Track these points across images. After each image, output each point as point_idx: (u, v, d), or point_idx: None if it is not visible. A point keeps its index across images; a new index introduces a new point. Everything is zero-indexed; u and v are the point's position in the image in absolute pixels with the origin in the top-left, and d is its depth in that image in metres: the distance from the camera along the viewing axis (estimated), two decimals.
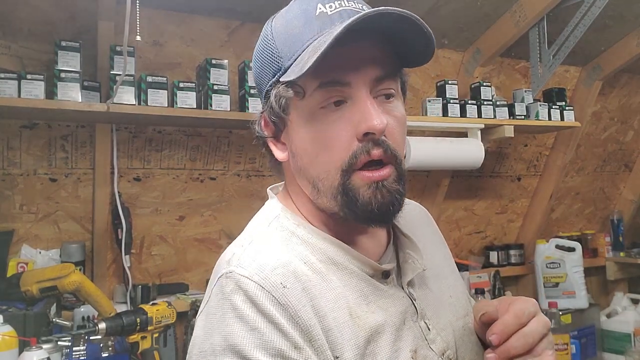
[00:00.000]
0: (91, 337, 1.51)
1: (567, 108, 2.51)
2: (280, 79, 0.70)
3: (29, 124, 1.80)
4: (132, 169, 1.97)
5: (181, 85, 1.76)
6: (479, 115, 2.29)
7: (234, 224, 2.18)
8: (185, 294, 2.04)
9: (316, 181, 0.72)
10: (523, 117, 2.40)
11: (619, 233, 3.08)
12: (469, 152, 2.24)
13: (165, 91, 1.75)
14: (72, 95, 1.63)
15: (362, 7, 0.71)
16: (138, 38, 1.43)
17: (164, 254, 2.10)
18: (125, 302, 1.93)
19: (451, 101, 2.24)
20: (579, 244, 2.72)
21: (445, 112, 2.24)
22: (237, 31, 2.04)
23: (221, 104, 1.79)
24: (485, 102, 2.30)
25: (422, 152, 2.12)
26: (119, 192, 1.91)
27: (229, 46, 2.05)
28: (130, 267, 1.93)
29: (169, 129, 1.99)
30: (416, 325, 0.75)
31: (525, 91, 2.45)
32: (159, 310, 1.59)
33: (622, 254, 3.04)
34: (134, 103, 1.71)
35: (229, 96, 1.81)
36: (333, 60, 0.64)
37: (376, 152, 0.68)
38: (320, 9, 0.70)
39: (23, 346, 1.42)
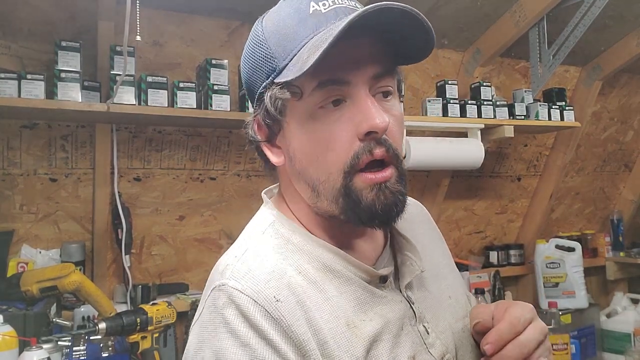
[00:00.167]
0: (91, 337, 1.51)
1: (567, 108, 2.51)
2: (275, 80, 0.68)
3: (29, 124, 1.80)
4: (132, 169, 1.97)
5: (181, 85, 1.76)
6: (479, 115, 2.29)
7: (234, 224, 2.18)
8: (185, 294, 2.04)
9: (316, 184, 0.70)
10: (523, 117, 2.40)
11: (619, 233, 3.08)
12: (469, 152, 2.24)
13: (165, 91, 1.75)
14: (72, 95, 1.63)
15: (355, 4, 0.70)
16: (138, 38, 1.43)
17: (164, 254, 2.10)
18: (125, 302, 1.93)
19: (451, 101, 2.24)
20: (578, 244, 2.72)
21: (445, 112, 2.24)
22: (237, 31, 2.05)
23: (221, 104, 1.79)
24: (485, 102, 2.30)
25: (422, 152, 2.12)
26: (119, 192, 1.91)
27: (229, 46, 2.05)
28: (130, 267, 1.93)
29: (169, 129, 1.99)
30: (415, 330, 0.73)
31: (525, 91, 2.45)
32: (159, 310, 1.59)
33: (622, 253, 3.04)
34: (134, 103, 1.71)
35: (229, 96, 1.81)
36: (331, 58, 0.62)
37: (379, 152, 0.67)
38: (313, 7, 0.68)
39: (23, 346, 1.42)
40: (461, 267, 2.57)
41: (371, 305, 0.70)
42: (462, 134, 2.33)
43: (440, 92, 2.29)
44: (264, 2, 0.74)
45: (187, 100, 1.77)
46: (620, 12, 2.33)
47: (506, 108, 2.36)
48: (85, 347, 1.61)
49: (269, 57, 0.69)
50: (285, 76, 0.66)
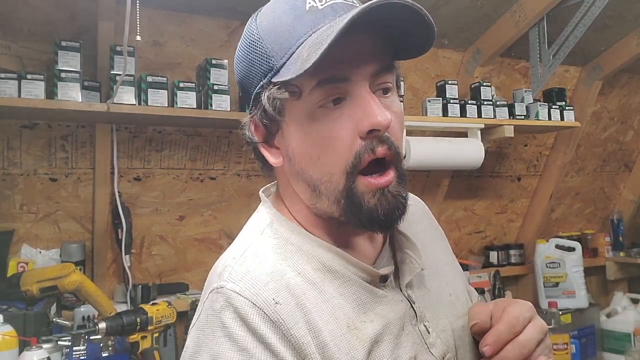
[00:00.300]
0: (91, 337, 1.51)
1: (567, 108, 2.51)
2: (273, 80, 0.66)
3: (29, 124, 1.80)
4: (132, 169, 1.98)
5: (181, 85, 1.76)
6: (479, 115, 2.29)
7: (234, 224, 2.18)
8: (185, 294, 2.04)
9: (317, 184, 0.68)
10: (523, 117, 2.40)
11: (619, 233, 3.08)
12: (469, 152, 2.24)
13: (166, 91, 1.75)
14: (72, 95, 1.63)
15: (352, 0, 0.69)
16: (138, 38, 1.43)
17: (164, 253, 2.10)
18: (126, 302, 1.93)
19: (451, 101, 2.24)
20: (578, 243, 2.72)
21: (445, 112, 2.24)
22: (237, 31, 2.04)
23: (221, 104, 1.79)
24: (485, 102, 2.30)
25: (422, 152, 2.12)
26: (119, 192, 1.91)
27: (229, 46, 2.04)
28: (130, 267, 1.93)
29: (169, 129, 1.99)
30: (415, 330, 0.73)
31: (525, 91, 2.45)
32: (159, 310, 1.59)
33: (622, 253, 3.04)
34: (134, 103, 1.71)
35: (229, 96, 1.81)
36: (331, 56, 0.60)
37: (381, 150, 0.66)
38: (310, 3, 0.66)
39: (23, 346, 1.42)
40: (461, 267, 2.57)
41: (372, 305, 0.69)
42: (462, 134, 2.33)
43: (440, 92, 2.29)
44: (265, 2, 0.73)
45: (187, 100, 1.77)
46: (620, 12, 2.33)
47: (506, 108, 2.36)
48: (85, 347, 1.61)
49: (265, 56, 0.67)
50: (284, 75, 0.65)
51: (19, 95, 1.57)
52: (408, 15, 0.64)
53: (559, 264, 2.66)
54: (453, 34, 2.35)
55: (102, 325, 1.48)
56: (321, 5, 0.66)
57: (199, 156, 2.07)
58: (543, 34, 2.29)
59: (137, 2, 1.39)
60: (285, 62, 0.65)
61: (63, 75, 1.62)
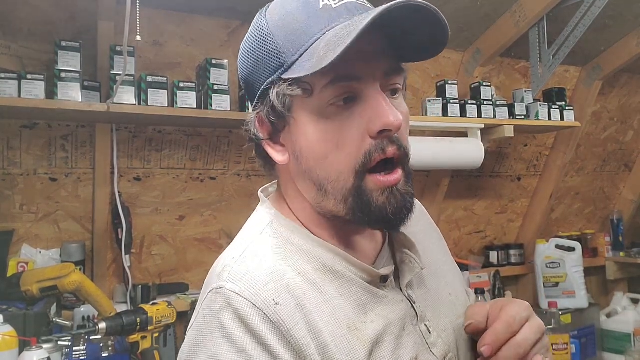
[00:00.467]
0: (91, 337, 1.51)
1: (567, 108, 2.51)
2: (284, 76, 0.66)
3: (29, 124, 1.80)
4: (132, 169, 1.98)
5: (181, 85, 1.76)
6: (479, 115, 2.29)
7: (234, 224, 2.18)
8: (185, 294, 2.04)
9: (324, 183, 0.68)
10: (523, 117, 2.40)
11: (619, 233, 3.08)
12: (469, 152, 2.24)
13: (166, 91, 1.75)
14: (72, 95, 1.63)
15: (364, 0, 0.69)
16: (138, 38, 1.43)
17: (164, 253, 2.10)
18: (126, 302, 1.93)
19: (451, 101, 2.24)
20: (578, 243, 2.72)
21: (445, 112, 2.24)
22: (237, 31, 2.04)
23: (221, 104, 1.79)
24: (485, 102, 2.30)
25: (422, 152, 2.12)
26: (119, 192, 1.91)
27: (229, 46, 2.05)
28: (130, 267, 1.93)
29: (169, 128, 1.99)
30: (416, 330, 0.72)
31: (525, 91, 2.45)
32: (159, 310, 1.59)
33: (622, 253, 3.04)
34: (134, 103, 1.71)
35: (229, 96, 1.81)
36: (345, 55, 0.59)
37: (391, 150, 0.66)
38: (324, 1, 0.66)
39: (23, 346, 1.42)
40: (461, 267, 2.54)
41: (372, 306, 0.69)
42: (462, 134, 2.33)
43: (440, 92, 2.29)
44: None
45: (187, 100, 1.76)
46: (620, 12, 2.33)
47: (506, 108, 2.36)
48: (85, 347, 1.61)
49: (275, 51, 0.67)
50: (297, 72, 0.64)
51: (19, 95, 1.57)
52: (422, 18, 0.63)
53: (559, 264, 2.66)
54: (453, 34, 2.32)
55: (102, 325, 1.48)
56: (335, 4, 0.66)
57: (199, 156, 2.07)
58: (543, 34, 2.29)
59: (137, 2, 1.39)
60: (297, 59, 0.65)
61: (63, 75, 1.62)
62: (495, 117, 2.32)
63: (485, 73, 2.60)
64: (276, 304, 0.63)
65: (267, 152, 0.73)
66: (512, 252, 2.82)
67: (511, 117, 2.38)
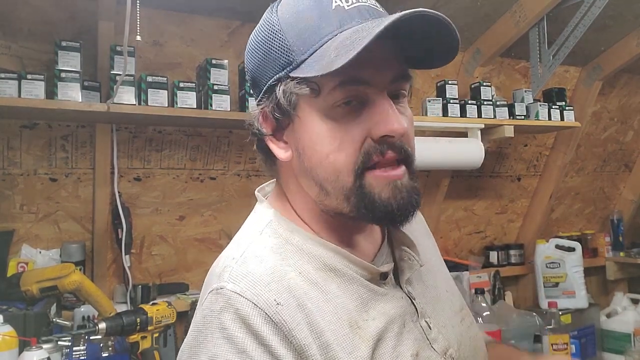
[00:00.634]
0: (91, 337, 1.51)
1: (567, 108, 2.51)
2: (292, 74, 0.66)
3: (29, 124, 1.80)
4: (132, 169, 1.97)
5: (181, 85, 1.76)
6: (479, 115, 2.29)
7: (234, 224, 2.18)
8: (185, 294, 2.04)
9: (324, 183, 0.68)
10: (523, 117, 2.40)
11: (619, 233, 3.08)
12: (469, 152, 2.24)
13: (166, 91, 1.74)
14: (72, 95, 1.63)
15: (375, 3, 0.69)
16: (138, 38, 1.43)
17: (164, 253, 2.10)
18: (125, 302, 1.93)
19: (451, 101, 2.24)
20: (578, 244, 2.72)
21: (445, 112, 2.24)
22: (237, 31, 2.05)
23: (221, 104, 1.79)
24: (485, 102, 2.30)
25: (422, 152, 2.11)
26: (119, 192, 1.91)
27: (229, 46, 2.05)
28: (130, 267, 1.93)
29: (169, 129, 1.99)
30: (417, 326, 0.73)
31: (525, 91, 2.45)
32: (159, 310, 1.59)
33: (622, 254, 3.03)
34: (134, 103, 1.71)
35: (229, 96, 1.81)
36: (356, 58, 0.60)
37: (390, 154, 0.67)
38: (336, 2, 0.66)
39: (23, 346, 1.42)
40: (461, 267, 2.57)
41: (373, 303, 0.69)
42: (462, 134, 2.33)
43: (440, 92, 2.29)
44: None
45: (187, 100, 1.76)
46: (620, 12, 2.33)
47: (506, 108, 2.36)
48: (85, 347, 1.61)
49: (285, 48, 0.67)
50: (306, 72, 0.64)
51: (19, 95, 1.57)
52: (434, 28, 0.64)
53: (559, 264, 2.65)
54: None
55: (102, 325, 1.48)
56: (347, 6, 0.66)
57: (199, 156, 2.07)
58: (543, 34, 2.29)
59: (137, 2, 1.39)
60: (306, 59, 0.65)
61: (63, 75, 1.62)
62: (495, 117, 2.31)
63: (485, 73, 2.60)
64: (278, 304, 0.63)
65: (269, 148, 0.73)
66: (512, 252, 2.82)
67: (511, 117, 2.37)
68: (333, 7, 0.66)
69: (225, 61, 1.85)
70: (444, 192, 2.55)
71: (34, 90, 1.58)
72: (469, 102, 2.28)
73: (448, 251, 2.75)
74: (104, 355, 1.66)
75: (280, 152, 0.72)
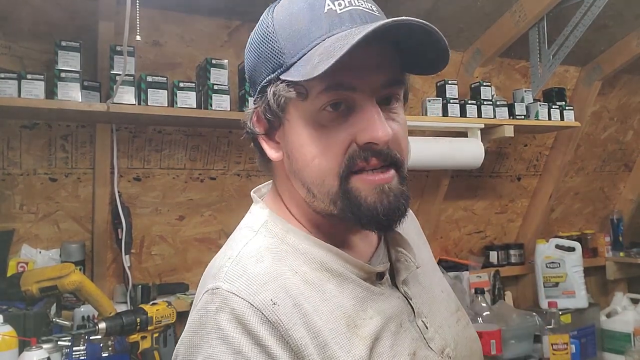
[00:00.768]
0: (91, 337, 1.51)
1: (567, 108, 2.51)
2: (282, 77, 0.66)
3: (29, 124, 1.80)
4: (132, 169, 1.97)
5: (181, 85, 1.76)
6: (479, 115, 2.29)
7: (234, 224, 2.16)
8: (185, 294, 2.04)
9: (311, 186, 0.69)
10: (523, 117, 2.40)
11: (619, 233, 3.08)
12: (469, 151, 2.24)
13: (165, 91, 1.75)
14: (72, 95, 1.63)
15: (371, 6, 0.68)
16: (138, 38, 1.43)
17: (164, 253, 2.10)
18: (125, 302, 1.93)
19: (451, 101, 2.24)
20: (578, 243, 2.72)
21: (445, 112, 2.24)
22: (237, 31, 2.05)
23: (221, 103, 1.79)
24: (485, 102, 2.30)
25: (422, 152, 2.12)
26: (119, 192, 1.91)
27: (229, 46, 2.05)
28: (130, 267, 1.93)
29: (169, 128, 1.99)
30: (413, 326, 0.73)
31: (525, 91, 2.45)
32: (159, 310, 1.59)
33: (621, 253, 3.04)
34: (134, 103, 1.71)
35: (229, 96, 1.81)
36: (342, 63, 0.60)
37: (374, 161, 0.66)
38: (328, 5, 0.66)
39: (23, 346, 1.42)
40: (461, 267, 2.57)
41: (370, 303, 0.70)
42: (462, 133, 2.33)
43: (440, 92, 2.29)
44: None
45: (187, 100, 1.76)
46: (620, 12, 2.33)
47: (506, 108, 2.36)
48: (85, 347, 1.61)
49: (277, 51, 0.67)
50: (293, 75, 0.65)
51: (19, 95, 1.57)
52: (423, 36, 0.64)
53: (559, 264, 2.66)
54: (453, 34, 2.35)
55: (102, 325, 1.48)
56: (340, 9, 0.66)
57: (199, 156, 2.07)
58: (543, 34, 2.29)
59: (137, 2, 1.39)
60: (295, 62, 0.65)
61: (63, 75, 1.62)
62: (495, 117, 2.32)
63: (485, 73, 2.60)
64: (274, 304, 0.63)
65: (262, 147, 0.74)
66: (512, 252, 2.82)
67: (511, 117, 2.38)
68: (325, 11, 0.66)
69: (225, 61, 1.85)
70: (444, 192, 2.55)
71: (34, 90, 1.58)
72: (469, 102, 2.28)
73: (448, 251, 2.75)
74: (104, 355, 1.66)
75: (272, 152, 0.73)
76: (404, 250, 0.78)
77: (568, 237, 2.85)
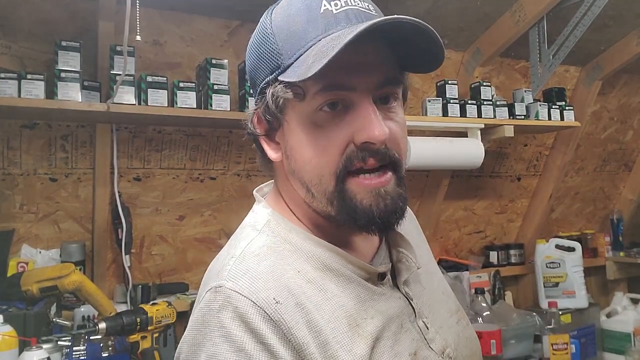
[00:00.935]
0: (91, 337, 1.51)
1: (567, 108, 2.51)
2: (279, 78, 0.67)
3: (29, 124, 1.80)
4: (132, 169, 1.98)
5: (181, 85, 1.76)
6: (479, 115, 2.29)
7: (233, 224, 2.16)
8: (185, 294, 2.04)
9: (309, 186, 0.69)
10: (523, 117, 2.40)
11: (619, 233, 3.08)
12: (469, 152, 2.24)
13: (165, 91, 1.75)
14: (72, 95, 1.63)
15: (367, 5, 0.69)
16: (138, 38, 1.43)
17: (164, 253, 2.10)
18: (125, 302, 1.93)
19: (451, 101, 2.24)
20: (578, 243, 2.72)
21: (445, 112, 2.24)
22: (237, 31, 2.05)
23: (221, 103, 1.79)
24: (485, 102, 2.30)
25: (422, 152, 2.12)
26: (119, 192, 1.91)
27: (229, 46, 2.05)
28: (130, 267, 1.93)
29: (169, 128, 1.99)
30: (414, 326, 0.73)
31: (525, 91, 2.45)
32: (159, 310, 1.59)
33: (621, 253, 3.03)
34: (134, 103, 1.71)
35: (229, 96, 1.81)
36: (338, 62, 0.61)
37: (372, 161, 0.67)
38: (325, 6, 0.66)
39: (23, 346, 1.42)
40: (461, 267, 2.57)
41: (371, 303, 0.70)
42: (462, 133, 2.33)
43: (440, 92, 2.29)
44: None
45: (187, 100, 1.76)
46: (620, 12, 2.33)
47: (506, 108, 2.36)
48: (85, 347, 1.61)
49: (274, 52, 0.68)
50: (289, 76, 0.65)
51: (19, 95, 1.57)
52: (417, 34, 0.64)
53: (559, 264, 2.65)
54: (453, 34, 2.35)
55: (102, 325, 1.48)
56: (336, 9, 0.66)
57: (199, 156, 2.07)
58: (543, 33, 2.29)
59: (137, 2, 1.39)
60: (292, 63, 0.66)
61: (63, 75, 1.62)
62: (495, 117, 2.32)
63: (485, 73, 2.60)
64: (277, 302, 0.63)
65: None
66: (512, 252, 2.82)
67: (511, 117, 2.38)
68: (321, 11, 0.66)
69: (225, 61, 1.85)
70: (444, 192, 2.55)
71: (34, 90, 1.58)
72: (469, 102, 2.28)
73: (448, 251, 2.75)
74: (104, 355, 1.66)
75: (272, 152, 0.73)
76: (405, 250, 0.78)
77: (568, 237, 2.85)
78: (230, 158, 2.12)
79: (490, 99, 2.33)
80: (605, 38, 2.57)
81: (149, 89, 1.72)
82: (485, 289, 2.47)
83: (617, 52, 2.65)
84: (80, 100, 1.64)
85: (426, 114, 2.22)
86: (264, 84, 0.70)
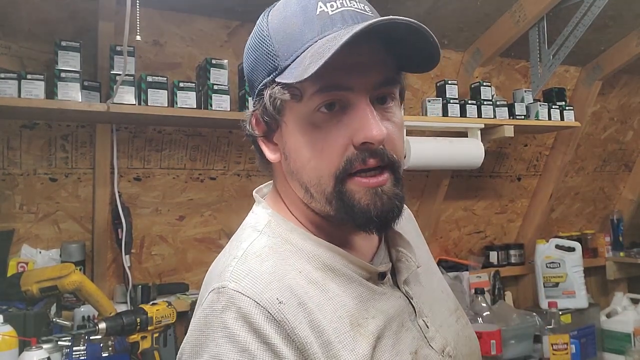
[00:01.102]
0: (91, 337, 1.51)
1: (567, 108, 2.51)
2: (277, 80, 0.67)
3: (29, 124, 1.80)
4: (132, 169, 1.98)
5: (181, 85, 1.76)
6: (479, 115, 2.29)
7: (234, 224, 2.17)
8: (185, 294, 2.04)
9: (308, 186, 0.70)
10: (523, 117, 2.40)
11: (619, 233, 3.08)
12: (469, 152, 2.24)
13: (165, 91, 1.75)
14: (72, 95, 1.63)
15: (363, 6, 0.69)
16: (138, 38, 1.43)
17: (164, 253, 2.10)
18: (125, 302, 1.93)
19: (451, 101, 2.24)
20: (578, 243, 2.72)
21: (445, 112, 2.24)
22: (237, 31, 2.05)
23: (221, 104, 1.79)
24: (485, 102, 2.30)
25: (422, 152, 2.12)
26: (119, 192, 1.91)
27: (229, 46, 2.05)
28: (130, 267, 1.93)
29: (169, 128, 1.99)
30: (415, 325, 0.74)
31: (525, 91, 2.45)
32: (159, 310, 1.60)
33: (622, 253, 3.04)
34: (134, 103, 1.71)
35: (229, 96, 1.81)
36: (334, 63, 0.61)
37: (372, 162, 0.67)
38: (321, 7, 0.66)
39: (23, 346, 1.42)
40: (461, 267, 2.57)
41: (372, 302, 0.70)
42: (462, 134, 2.33)
43: (440, 92, 2.29)
44: (264, 1, 0.74)
45: (187, 100, 1.76)
46: (620, 12, 2.33)
47: (506, 108, 2.36)
48: (85, 347, 1.61)
49: (271, 54, 0.68)
50: (286, 78, 0.66)
51: (19, 95, 1.57)
52: (413, 34, 0.64)
53: (559, 264, 2.66)
54: (453, 34, 2.35)
55: (102, 325, 1.48)
56: (332, 11, 0.66)
57: (199, 156, 2.07)
58: (543, 33, 2.29)
59: (137, 2, 1.39)
60: (289, 65, 0.66)
61: (63, 75, 1.62)
62: (495, 117, 2.32)
63: (485, 73, 2.60)
64: (280, 302, 0.63)
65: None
66: (512, 252, 2.82)
67: (511, 117, 2.38)
68: (317, 13, 0.66)
69: (225, 61, 1.85)
70: (444, 192, 2.55)
71: (34, 90, 1.58)
72: (469, 102, 2.28)
73: (448, 251, 2.75)
74: (104, 355, 1.66)
75: (270, 154, 0.74)
76: (405, 250, 0.78)
77: (568, 237, 2.85)
78: (230, 158, 2.12)
79: (490, 99, 2.33)
80: (605, 38, 2.57)
81: (149, 89, 1.72)
82: (485, 289, 2.47)
83: (617, 53, 2.65)
84: (80, 100, 1.64)
85: (426, 114, 2.22)
86: (262, 85, 0.70)
